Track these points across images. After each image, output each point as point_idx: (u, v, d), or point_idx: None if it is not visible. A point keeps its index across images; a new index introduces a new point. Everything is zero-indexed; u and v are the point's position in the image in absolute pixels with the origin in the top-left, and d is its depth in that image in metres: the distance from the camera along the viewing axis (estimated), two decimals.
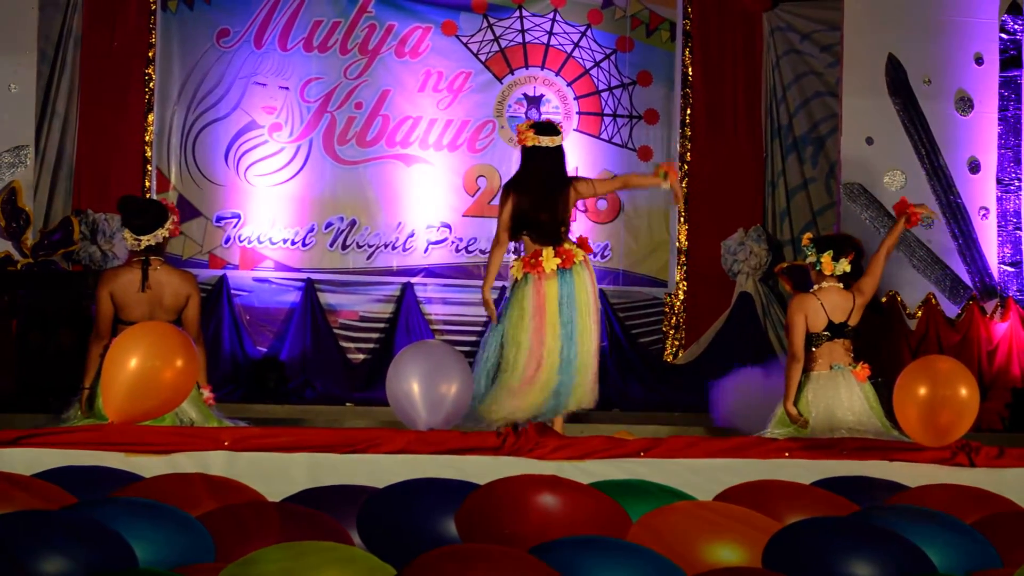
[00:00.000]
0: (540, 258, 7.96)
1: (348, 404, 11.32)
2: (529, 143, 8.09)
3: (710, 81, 12.45)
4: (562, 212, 8.04)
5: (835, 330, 7.97)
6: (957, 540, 5.34)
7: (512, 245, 8.23)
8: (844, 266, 8.04)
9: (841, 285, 8.07)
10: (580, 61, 12.46)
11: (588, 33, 12.48)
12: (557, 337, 7.90)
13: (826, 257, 8.02)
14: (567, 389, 7.92)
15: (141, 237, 7.54)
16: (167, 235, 7.61)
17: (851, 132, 11.73)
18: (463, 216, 12.11)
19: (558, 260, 7.93)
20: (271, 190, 11.98)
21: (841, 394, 7.85)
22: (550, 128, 8.22)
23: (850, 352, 8.01)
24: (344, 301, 12.01)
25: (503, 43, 12.37)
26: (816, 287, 8.09)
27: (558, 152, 8.15)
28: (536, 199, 8.01)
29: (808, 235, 8.31)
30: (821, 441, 7.26)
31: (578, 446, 6.81)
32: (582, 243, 8.12)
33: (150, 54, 11.82)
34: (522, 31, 12.40)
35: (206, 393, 7.60)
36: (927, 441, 7.08)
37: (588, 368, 7.96)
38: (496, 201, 12.14)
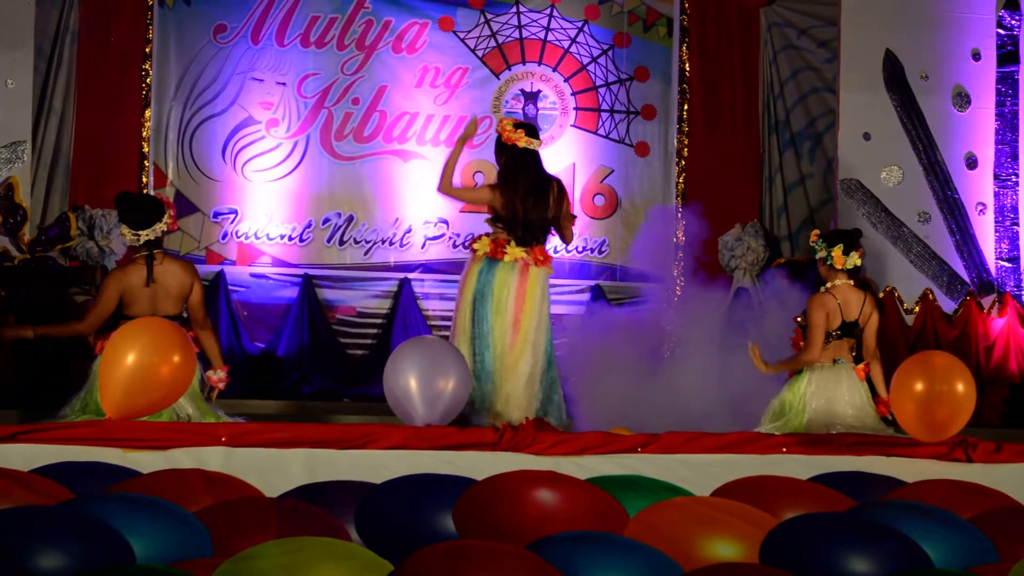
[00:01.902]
0: (478, 240, 8.18)
1: (345, 400, 11.34)
2: (521, 144, 8.19)
3: (707, 77, 12.45)
4: (553, 208, 8.22)
5: (846, 329, 7.93)
6: (954, 535, 5.40)
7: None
8: (855, 259, 7.99)
9: (852, 282, 8.02)
10: (577, 57, 12.47)
11: (585, 29, 12.48)
12: (467, 329, 8.13)
13: (837, 251, 7.96)
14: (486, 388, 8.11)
15: (140, 232, 7.62)
16: (165, 229, 7.69)
17: (848, 128, 11.74)
18: (460, 212, 12.11)
19: (488, 248, 8.16)
20: (268, 186, 11.98)
21: (843, 388, 7.82)
22: (536, 131, 8.46)
23: (852, 350, 7.98)
24: (341, 297, 12.02)
25: (500, 39, 12.37)
26: (830, 284, 8.01)
27: (538, 155, 8.38)
28: (527, 198, 8.10)
29: (816, 232, 8.21)
30: (818, 437, 7.28)
31: (575, 442, 6.82)
32: (537, 250, 8.28)
33: (147, 50, 11.80)
34: (519, 27, 12.41)
35: (221, 374, 7.80)
36: (924, 437, 7.09)
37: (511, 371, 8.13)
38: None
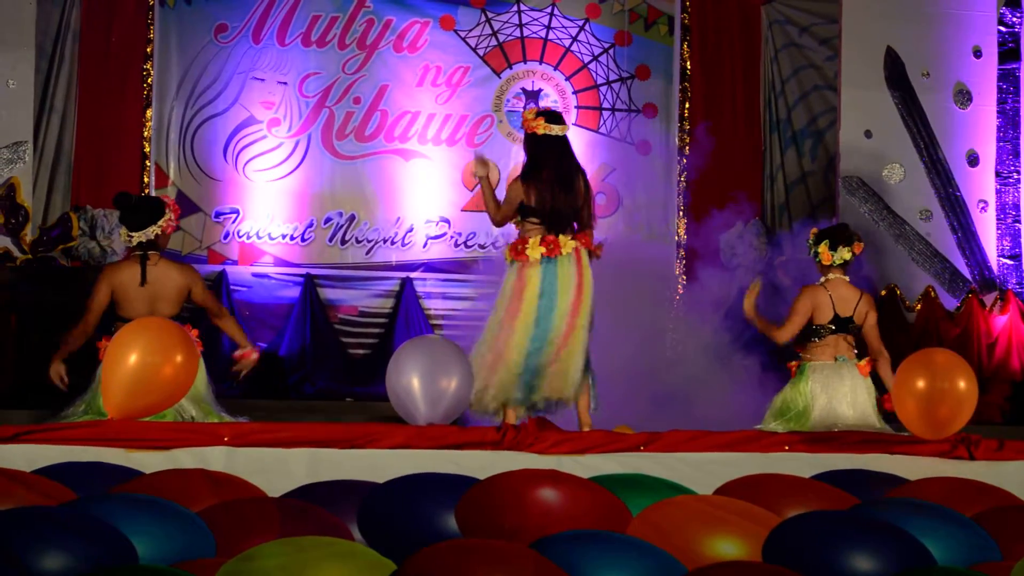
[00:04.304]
0: (526, 246, 7.86)
1: (348, 399, 11.37)
2: (540, 131, 7.97)
3: (708, 75, 12.47)
4: (582, 199, 7.94)
5: (840, 324, 7.94)
6: (957, 533, 5.39)
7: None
8: (843, 255, 8.00)
9: (847, 278, 8.03)
10: (578, 55, 12.49)
11: (586, 27, 12.50)
12: (529, 325, 7.81)
13: (823, 247, 7.99)
14: (534, 378, 7.81)
15: (133, 234, 7.64)
16: (160, 231, 7.69)
17: (850, 125, 11.78)
18: (462, 211, 12.14)
19: (543, 249, 7.82)
20: (270, 185, 12.01)
21: (845, 386, 7.82)
22: (558, 116, 8.14)
23: (852, 347, 7.97)
24: (343, 296, 12.04)
25: (501, 37, 12.40)
26: (824, 279, 8.04)
27: (567, 140, 8.04)
28: (552, 187, 7.86)
29: (814, 230, 8.21)
30: (821, 435, 7.28)
31: (578, 440, 6.83)
32: (583, 237, 7.95)
33: (148, 49, 11.83)
34: (520, 25, 12.43)
35: (250, 349, 7.91)
36: (926, 434, 7.10)
37: (557, 359, 7.81)
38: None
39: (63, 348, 7.52)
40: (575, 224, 7.98)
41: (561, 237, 7.86)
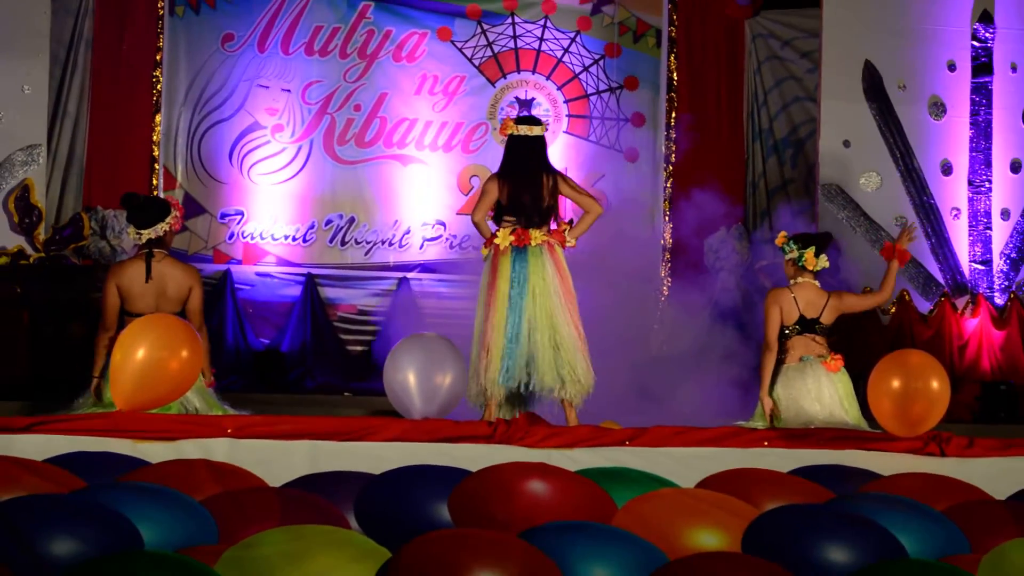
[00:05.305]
0: (496, 236, 7.90)
1: (346, 394, 11.44)
2: (508, 131, 8.08)
3: (694, 86, 12.52)
4: (547, 197, 7.95)
5: (805, 325, 7.98)
6: (928, 527, 5.41)
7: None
8: (824, 262, 8.08)
9: (817, 283, 8.07)
10: (570, 66, 12.61)
11: (577, 39, 12.63)
12: (503, 312, 7.75)
13: (809, 253, 8.03)
14: (518, 367, 7.70)
15: (142, 231, 7.74)
16: (167, 229, 7.78)
17: (829, 135, 11.77)
18: (457, 214, 12.25)
19: (512, 238, 7.84)
20: (273, 188, 12.16)
21: (808, 385, 7.85)
22: (530, 119, 8.27)
23: (822, 346, 8.00)
24: (343, 295, 12.14)
25: (496, 48, 12.53)
26: (792, 282, 8.08)
27: (538, 141, 8.08)
28: (518, 183, 7.91)
29: (783, 233, 8.28)
30: (799, 431, 7.38)
31: (566, 435, 6.96)
32: (554, 232, 7.96)
33: (158, 57, 11.97)
34: (514, 37, 12.55)
35: (209, 378, 7.71)
36: (900, 432, 7.24)
37: (545, 351, 7.72)
38: None
39: (97, 361, 7.57)
40: (551, 221, 7.99)
41: (532, 231, 7.88)
